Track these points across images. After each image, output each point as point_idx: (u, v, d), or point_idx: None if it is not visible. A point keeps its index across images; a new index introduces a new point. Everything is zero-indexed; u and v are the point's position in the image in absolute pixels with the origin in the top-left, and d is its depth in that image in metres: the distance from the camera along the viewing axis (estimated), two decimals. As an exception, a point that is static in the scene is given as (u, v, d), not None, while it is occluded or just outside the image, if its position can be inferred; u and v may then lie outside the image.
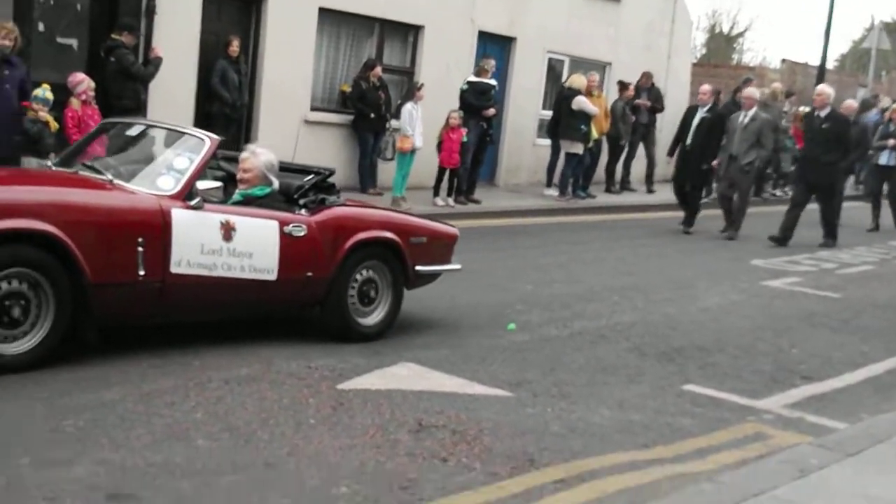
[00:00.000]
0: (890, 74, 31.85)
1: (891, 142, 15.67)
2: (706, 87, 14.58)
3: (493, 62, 15.18)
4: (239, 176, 6.93)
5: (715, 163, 13.90)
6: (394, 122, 14.37)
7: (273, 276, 6.54)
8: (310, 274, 6.74)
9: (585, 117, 15.74)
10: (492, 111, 14.82)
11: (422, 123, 13.87)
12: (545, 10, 17.57)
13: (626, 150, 18.04)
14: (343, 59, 15.13)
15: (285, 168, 7.26)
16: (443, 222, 8.50)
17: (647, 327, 8.19)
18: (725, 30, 36.47)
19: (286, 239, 6.59)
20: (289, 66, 13.96)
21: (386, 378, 6.20)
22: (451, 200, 14.21)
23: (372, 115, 14.32)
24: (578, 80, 16.03)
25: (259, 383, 5.84)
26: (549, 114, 16.98)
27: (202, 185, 6.37)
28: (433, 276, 7.74)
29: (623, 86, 17.79)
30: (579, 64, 18.27)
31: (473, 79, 14.87)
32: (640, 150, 18.38)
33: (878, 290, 10.82)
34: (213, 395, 5.55)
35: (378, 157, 14.58)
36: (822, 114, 13.57)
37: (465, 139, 13.97)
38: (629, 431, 5.57)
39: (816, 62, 22.68)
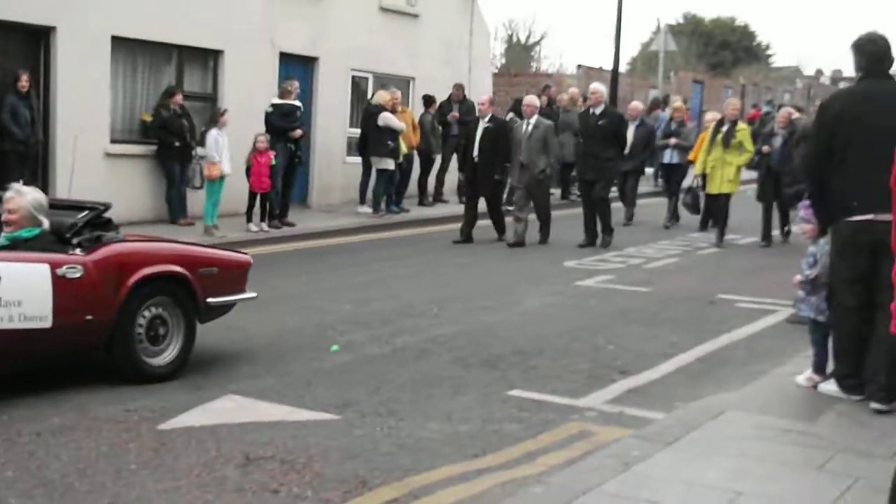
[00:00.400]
0: (678, 75, 33.45)
1: (672, 141, 16.31)
2: (484, 98, 14.76)
3: (296, 83, 15.10)
4: (4, 218, 6.43)
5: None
6: (199, 150, 14.09)
7: (48, 324, 6.08)
8: (90, 317, 6.32)
9: (392, 133, 15.85)
10: (299, 132, 14.73)
11: (228, 149, 13.65)
12: (345, 29, 17.61)
13: (438, 162, 18.26)
14: (142, 87, 14.72)
15: (56, 206, 6.83)
16: (234, 250, 8.31)
17: (468, 337, 8.30)
18: (523, 39, 37.47)
19: (60, 282, 6.15)
20: (84, 98, 13.47)
21: (209, 413, 6.05)
22: (264, 225, 14.04)
23: (176, 144, 14.01)
24: (383, 97, 16.13)
25: (74, 432, 5.58)
26: (357, 132, 17.00)
27: None
28: (227, 307, 7.44)
29: (428, 100, 18.02)
30: (383, 80, 18.40)
31: (277, 101, 14.74)
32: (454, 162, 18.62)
33: (683, 281, 11.32)
34: (25, 450, 5.27)
35: (186, 186, 14.26)
36: (597, 111, 13.97)
37: (273, 162, 13.82)
38: (458, 443, 5.61)
39: (610, 66, 23.58)
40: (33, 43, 13.24)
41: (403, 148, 16.33)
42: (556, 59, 51.54)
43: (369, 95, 17.51)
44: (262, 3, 16.07)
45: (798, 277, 6.56)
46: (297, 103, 14.93)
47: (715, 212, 14.51)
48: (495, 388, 6.77)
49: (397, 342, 8.06)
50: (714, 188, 14.15)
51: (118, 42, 13.99)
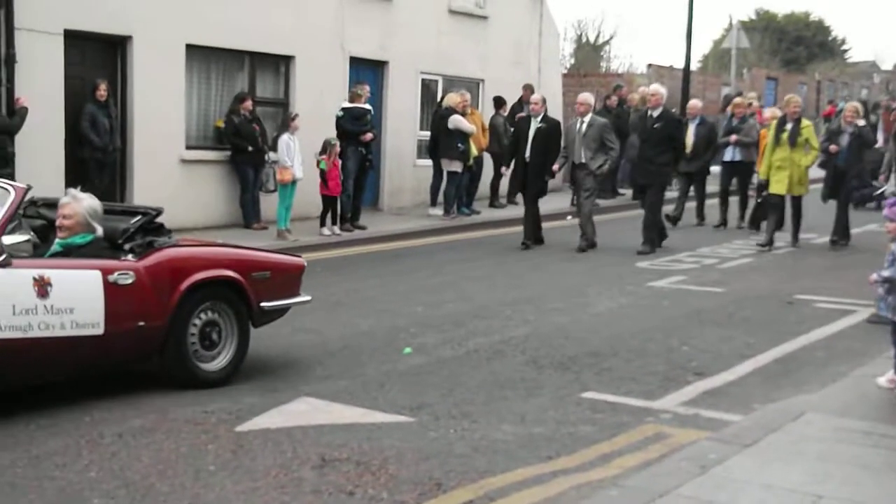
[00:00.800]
0: (751, 71, 32.98)
1: (732, 138, 15.68)
2: (536, 97, 14.24)
3: (366, 87, 15.19)
4: (59, 223, 6.45)
5: (555, 167, 13.73)
6: (272, 155, 14.25)
7: (100, 331, 6.08)
8: (142, 323, 6.32)
9: (462, 135, 15.86)
10: (369, 136, 14.81)
11: (300, 154, 13.78)
12: (414, 32, 17.67)
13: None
14: (216, 94, 14.93)
15: (109, 211, 6.85)
16: (289, 253, 8.23)
17: (540, 339, 8.27)
18: (592, 39, 37.27)
19: (111, 288, 6.14)
20: (160, 105, 13.73)
21: (284, 415, 6.12)
22: (336, 228, 14.13)
23: (249, 149, 14.18)
24: (453, 99, 16.15)
25: (154, 434, 5.69)
26: (427, 134, 17.06)
27: (8, 239, 5.98)
28: (282, 311, 7.40)
29: (498, 101, 18.00)
30: (452, 82, 18.43)
31: (348, 105, 14.85)
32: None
33: (758, 281, 11.15)
34: (107, 451, 5.38)
35: (260, 190, 14.44)
36: (655, 113, 13.48)
37: (322, 165, 13.79)
38: (532, 445, 5.60)
39: (681, 65, 23.31)
40: (111, 52, 13.52)
41: (474, 150, 16.34)
42: (625, 59, 51.09)
43: (439, 98, 17.55)
44: (333, 8, 16.20)
45: (874, 276, 6.43)
46: (368, 107, 15.00)
47: (791, 214, 13.74)
48: (569, 390, 6.74)
49: (470, 344, 8.07)
50: (782, 189, 13.41)
51: (192, 50, 14.23)
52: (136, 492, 4.83)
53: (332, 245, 13.52)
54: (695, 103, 16.55)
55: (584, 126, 13.45)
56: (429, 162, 16.85)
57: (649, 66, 28.44)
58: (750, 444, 5.26)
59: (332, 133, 14.38)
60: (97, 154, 12.77)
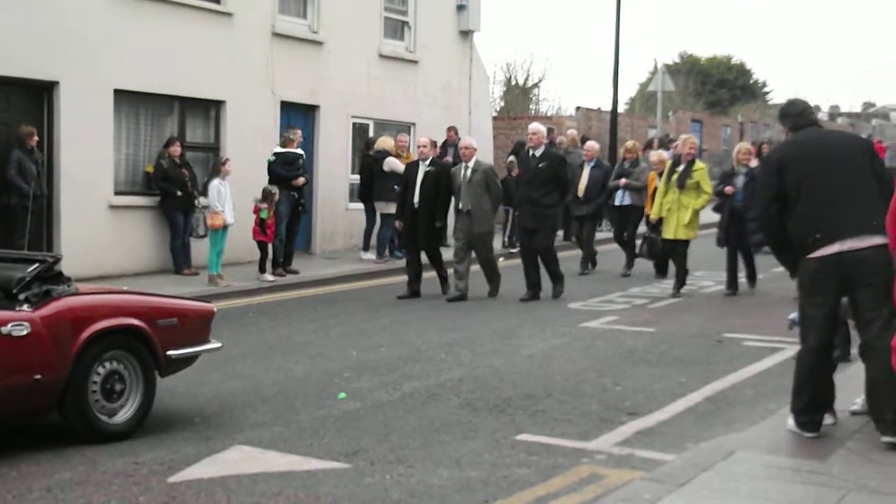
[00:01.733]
0: (676, 114, 33.64)
1: (622, 181, 15.19)
2: (423, 140, 13.74)
3: (298, 132, 15.20)
4: None
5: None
6: (202, 200, 14.16)
7: None
8: (38, 377, 6.03)
9: (397, 177, 15.91)
10: (301, 180, 14.80)
11: (231, 199, 13.71)
12: (345, 76, 17.76)
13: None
14: (144, 139, 14.84)
15: (3, 259, 6.65)
16: (198, 298, 8.09)
17: (475, 381, 8.29)
18: (521, 82, 37.72)
19: (4, 341, 5.87)
20: (88, 151, 13.60)
21: (218, 465, 6.04)
22: (268, 275, 14.03)
23: (178, 194, 14.08)
24: (386, 143, 16.24)
25: (84, 487, 5.57)
26: (358, 178, 17.05)
27: None
28: (190, 360, 7.14)
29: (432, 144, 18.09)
30: (384, 126, 18.53)
31: (280, 150, 14.83)
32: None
33: (688, 321, 11.31)
34: (35, 506, 5.26)
35: (191, 236, 14.32)
36: (538, 153, 12.91)
37: (263, 214, 13.76)
38: (468, 489, 5.60)
39: (609, 107, 23.72)
40: (36, 97, 13.36)
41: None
42: (554, 102, 51.67)
43: (367, 141, 17.58)
44: (263, 52, 16.23)
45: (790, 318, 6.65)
46: (300, 151, 15.01)
47: (674, 260, 13.37)
48: (504, 433, 6.75)
49: (405, 388, 8.05)
50: (669, 233, 13.13)
51: (120, 95, 14.13)
52: (65, 547, 4.72)
53: (264, 290, 13.46)
54: (591, 145, 16.00)
55: (469, 171, 12.94)
56: (360, 206, 16.86)
57: (577, 108, 28.88)
58: (683, 484, 5.32)
59: (263, 177, 14.37)
60: (25, 201, 12.58)
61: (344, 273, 15.14)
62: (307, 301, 12.96)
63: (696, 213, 13.08)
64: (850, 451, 5.90)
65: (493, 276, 13.19)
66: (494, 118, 25.45)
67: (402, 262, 16.08)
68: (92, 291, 6.97)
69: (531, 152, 13.01)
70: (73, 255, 12.33)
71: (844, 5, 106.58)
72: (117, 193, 14.18)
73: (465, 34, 20.97)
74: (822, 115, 53.05)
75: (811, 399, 6.17)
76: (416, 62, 19.62)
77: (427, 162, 13.26)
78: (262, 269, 13.97)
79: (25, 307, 6.14)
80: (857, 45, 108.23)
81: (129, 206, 14.30)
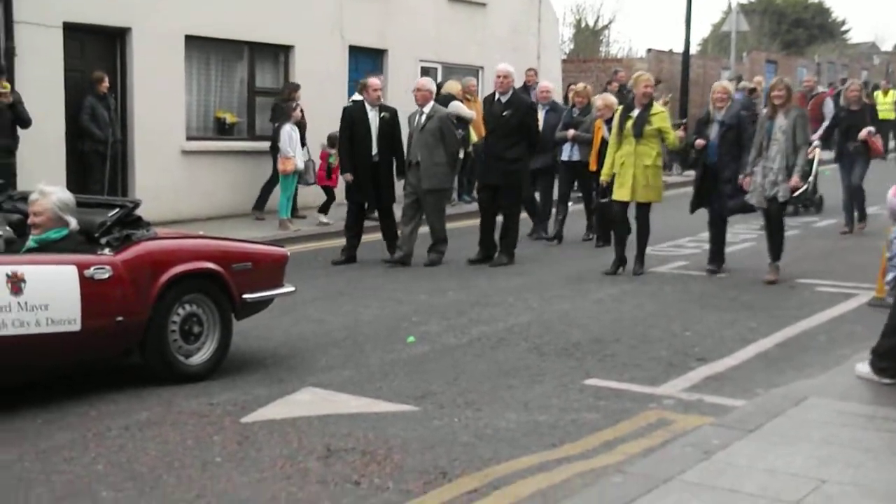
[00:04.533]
0: (750, 55, 32.91)
1: (570, 132, 12.65)
2: (373, 81, 11.73)
3: (375, 81, 14.89)
4: (31, 220, 6.31)
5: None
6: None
7: (77, 327, 5.96)
8: (121, 318, 6.20)
9: (463, 122, 15.83)
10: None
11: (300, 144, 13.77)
12: (413, 20, 17.67)
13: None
14: (215, 85, 14.95)
15: (85, 204, 6.71)
16: (273, 243, 8.14)
17: (543, 326, 8.29)
18: (591, 24, 37.21)
19: (88, 283, 6.01)
20: (159, 97, 13.75)
21: (290, 406, 6.14)
22: (323, 217, 14.01)
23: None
24: (453, 86, 16.12)
25: (160, 426, 5.72)
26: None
27: None
28: (265, 303, 7.30)
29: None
30: (452, 70, 18.43)
31: (358, 97, 14.74)
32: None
33: (759, 265, 11.13)
34: (114, 444, 5.41)
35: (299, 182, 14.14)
36: (504, 98, 11.24)
37: (331, 160, 13.74)
38: (536, 433, 5.63)
39: (680, 49, 23.27)
40: (109, 44, 13.53)
41: (473, 137, 16.31)
42: (625, 44, 51.03)
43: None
44: (331, -3, 16.18)
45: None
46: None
47: (636, 228, 10.79)
48: (572, 377, 6.76)
49: (473, 332, 8.09)
50: (625, 194, 10.46)
51: (191, 41, 14.24)
52: (143, 484, 4.86)
53: (332, 234, 13.54)
54: (546, 85, 13.85)
55: (423, 118, 11.36)
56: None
57: (649, 50, 28.40)
58: (753, 430, 5.28)
59: (332, 123, 14.36)
60: (98, 147, 12.79)
61: (412, 217, 15.11)
62: (376, 245, 13.01)
63: (657, 168, 10.58)
64: (925, 398, 5.81)
65: (437, 239, 11.47)
66: (564, 61, 25.17)
67: (470, 206, 16.09)
68: (170, 236, 7.11)
69: (496, 97, 11.36)
70: (148, 199, 12.30)
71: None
72: (189, 139, 14.34)
73: (535, -25, 20.67)
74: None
75: None
76: (484, 4, 19.42)
77: (376, 108, 11.52)
78: (324, 211, 14.02)
79: (107, 251, 6.29)
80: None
81: (201, 151, 14.46)
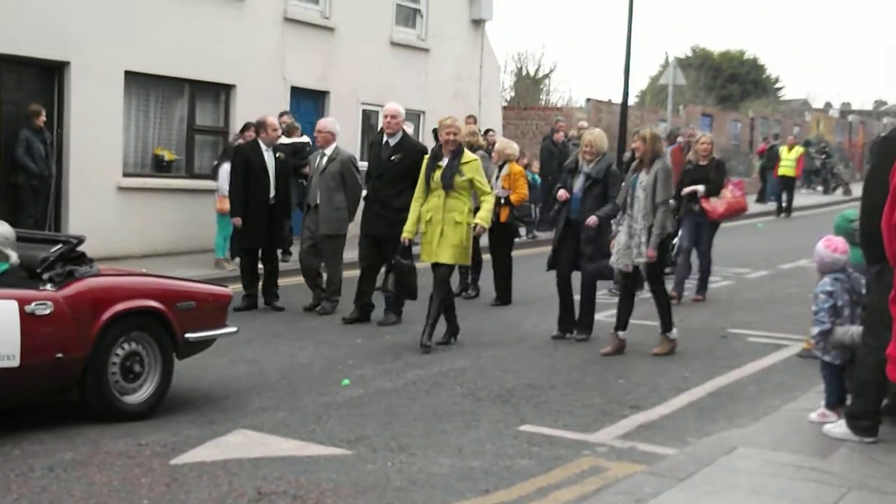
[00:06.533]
0: (687, 108, 33.55)
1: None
2: (271, 120, 11.23)
3: (290, 117, 14.72)
4: None
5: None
6: (212, 183, 14.14)
7: (15, 363, 5.87)
8: (60, 355, 6.13)
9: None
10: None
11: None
12: (355, 63, 17.75)
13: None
14: (154, 122, 14.84)
15: (28, 239, 6.66)
16: (217, 283, 8.14)
17: (478, 371, 8.30)
18: (532, 72, 37.65)
19: (28, 319, 5.94)
20: (97, 132, 13.60)
21: (221, 448, 6.06)
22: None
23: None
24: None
25: (87, 467, 5.59)
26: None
27: None
28: (207, 343, 7.28)
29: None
30: (393, 114, 18.47)
31: (286, 140, 14.65)
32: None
33: (694, 315, 11.30)
34: (38, 485, 5.28)
35: None
36: (393, 141, 10.28)
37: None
38: (470, 478, 5.61)
39: (619, 99, 23.66)
40: (47, 77, 13.38)
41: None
42: (565, 93, 51.64)
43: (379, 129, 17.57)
44: (274, 37, 16.22)
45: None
46: (306, 139, 14.79)
47: (432, 293, 9.27)
48: (507, 423, 6.76)
49: (408, 376, 8.07)
50: (429, 254, 9.20)
51: (131, 77, 14.13)
52: (67, 526, 4.75)
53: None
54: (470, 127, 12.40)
55: (325, 161, 10.84)
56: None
57: (588, 100, 28.80)
58: (684, 478, 5.32)
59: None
60: (33, 180, 12.61)
61: (352, 259, 15.07)
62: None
63: (468, 226, 9.19)
64: (851, 449, 5.90)
65: (333, 291, 10.97)
66: (505, 108, 25.41)
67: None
68: (113, 273, 7.04)
69: (385, 140, 10.39)
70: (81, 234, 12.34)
71: (858, 3, 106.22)
72: (126, 175, 14.19)
73: (477, 23, 20.94)
74: (833, 113, 52.96)
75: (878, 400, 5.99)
76: (427, 50, 19.59)
77: (331, 150, 10.93)
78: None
79: (49, 287, 6.21)
80: (869, 43, 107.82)
81: (138, 189, 14.31)
